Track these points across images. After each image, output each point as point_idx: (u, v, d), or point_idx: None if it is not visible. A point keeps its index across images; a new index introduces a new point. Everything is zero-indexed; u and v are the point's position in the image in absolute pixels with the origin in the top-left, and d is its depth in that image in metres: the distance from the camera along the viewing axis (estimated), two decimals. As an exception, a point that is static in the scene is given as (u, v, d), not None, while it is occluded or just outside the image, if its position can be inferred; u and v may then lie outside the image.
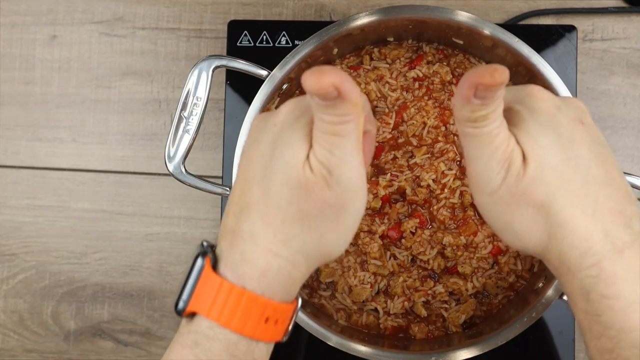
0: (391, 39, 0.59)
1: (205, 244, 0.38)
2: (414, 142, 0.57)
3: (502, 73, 0.32)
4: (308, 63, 0.55)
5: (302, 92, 0.59)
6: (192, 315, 0.37)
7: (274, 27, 0.64)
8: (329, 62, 0.59)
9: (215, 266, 0.37)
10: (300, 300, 0.40)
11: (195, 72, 0.52)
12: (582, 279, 0.35)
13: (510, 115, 0.38)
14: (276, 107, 0.57)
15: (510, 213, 0.37)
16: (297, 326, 0.52)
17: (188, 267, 0.37)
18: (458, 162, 0.57)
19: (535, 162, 0.35)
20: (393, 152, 0.57)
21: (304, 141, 0.36)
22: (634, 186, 0.49)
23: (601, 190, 0.36)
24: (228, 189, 0.53)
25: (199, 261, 0.36)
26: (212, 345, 0.36)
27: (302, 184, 0.35)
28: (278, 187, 0.36)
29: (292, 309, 0.39)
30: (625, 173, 0.40)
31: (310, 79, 0.32)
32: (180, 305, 0.37)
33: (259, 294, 0.36)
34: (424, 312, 0.57)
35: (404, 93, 0.58)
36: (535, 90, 0.38)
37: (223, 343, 0.36)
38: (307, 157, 0.36)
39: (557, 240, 0.36)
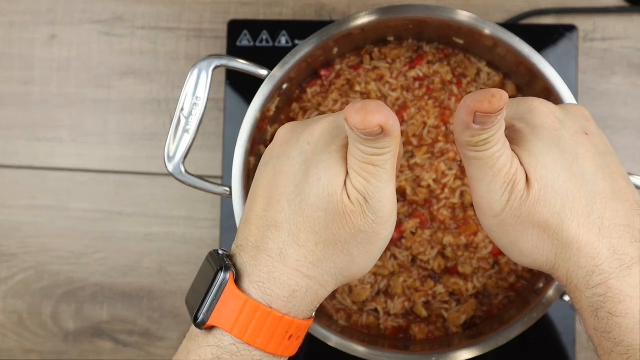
0: (391, 39, 0.59)
1: (221, 252, 0.38)
2: (415, 142, 0.57)
3: (500, 99, 0.32)
4: (308, 63, 0.55)
5: (302, 92, 0.59)
6: (210, 327, 0.37)
7: (274, 26, 0.64)
8: (329, 61, 0.59)
9: (236, 280, 0.36)
10: (314, 313, 0.40)
11: (195, 72, 0.51)
12: (590, 298, 0.35)
13: (512, 134, 0.37)
14: (276, 107, 0.57)
15: (516, 234, 0.37)
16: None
17: (207, 280, 0.36)
18: (458, 162, 0.57)
19: (538, 183, 0.35)
20: (393, 152, 0.57)
21: (341, 166, 0.36)
22: (636, 187, 0.49)
23: (607, 205, 0.36)
24: (228, 189, 0.52)
25: (221, 275, 0.36)
26: None
27: (340, 211, 0.35)
28: (313, 211, 0.36)
29: (310, 323, 0.39)
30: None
31: (355, 118, 0.32)
32: (201, 318, 0.36)
33: (285, 313, 0.36)
34: (424, 313, 0.56)
35: (405, 93, 0.58)
36: (536, 104, 0.38)
37: (246, 359, 0.36)
38: (344, 183, 0.36)
39: (563, 260, 0.36)
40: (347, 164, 0.36)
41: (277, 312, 0.36)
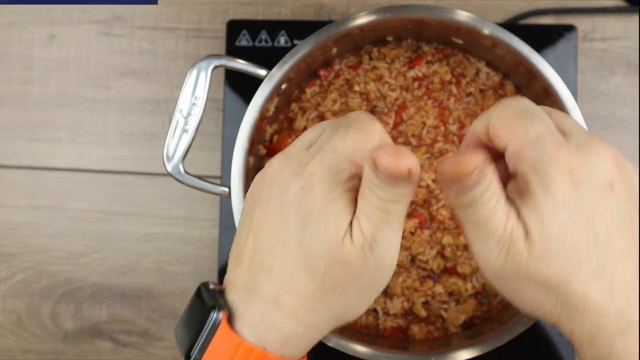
0: (390, 39, 0.59)
1: (212, 287, 0.37)
2: (414, 142, 0.57)
3: (468, 163, 0.31)
4: (307, 63, 0.55)
5: (301, 92, 0.59)
6: None
7: (273, 26, 0.64)
8: (328, 61, 0.59)
9: (229, 318, 0.36)
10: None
11: (194, 72, 0.51)
12: (594, 354, 0.34)
13: (523, 185, 0.34)
14: (275, 107, 0.56)
15: (517, 289, 0.35)
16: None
17: (199, 318, 0.36)
18: (458, 162, 0.57)
19: (542, 244, 0.32)
20: (392, 152, 0.57)
21: (344, 215, 0.35)
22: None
23: (620, 264, 0.33)
24: (227, 189, 0.52)
25: (214, 314, 0.35)
26: None
27: (341, 260, 0.34)
28: (312, 260, 0.35)
29: None
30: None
31: (388, 160, 0.32)
32: (193, 358, 0.35)
33: (279, 356, 0.35)
34: (423, 313, 0.56)
35: (404, 93, 0.58)
36: (559, 154, 0.33)
37: None
38: (350, 224, 0.35)
39: (567, 318, 0.34)
40: (349, 210, 0.35)
41: (271, 354, 0.35)
